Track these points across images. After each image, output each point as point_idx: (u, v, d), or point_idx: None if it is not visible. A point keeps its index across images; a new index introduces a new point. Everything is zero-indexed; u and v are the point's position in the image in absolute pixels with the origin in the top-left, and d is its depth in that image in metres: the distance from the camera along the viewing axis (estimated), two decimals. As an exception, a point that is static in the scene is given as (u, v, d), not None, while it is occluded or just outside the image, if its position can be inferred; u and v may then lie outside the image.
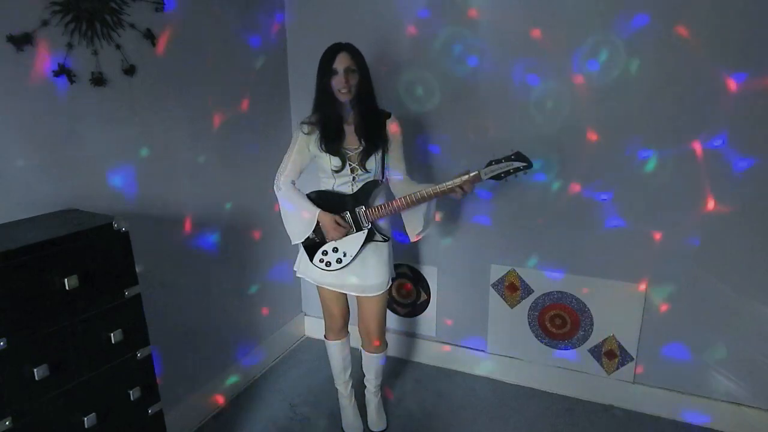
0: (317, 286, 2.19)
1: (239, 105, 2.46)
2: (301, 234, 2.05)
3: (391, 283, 2.15)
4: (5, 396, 1.26)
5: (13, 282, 1.24)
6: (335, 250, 2.05)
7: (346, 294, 2.21)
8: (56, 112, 1.64)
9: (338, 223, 1.99)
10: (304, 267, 2.17)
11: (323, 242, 2.06)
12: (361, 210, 2.02)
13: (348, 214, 2.02)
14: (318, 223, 2.00)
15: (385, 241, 2.09)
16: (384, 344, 2.29)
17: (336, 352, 2.31)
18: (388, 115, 2.05)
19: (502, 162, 1.90)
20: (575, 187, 2.31)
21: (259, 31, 2.53)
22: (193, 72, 2.16)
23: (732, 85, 1.97)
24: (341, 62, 1.88)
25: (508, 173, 1.91)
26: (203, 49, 2.20)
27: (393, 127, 2.04)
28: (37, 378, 1.30)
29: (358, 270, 2.07)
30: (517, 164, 1.89)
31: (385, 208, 2.01)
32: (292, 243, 2.10)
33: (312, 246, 2.08)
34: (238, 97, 2.45)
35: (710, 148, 2.05)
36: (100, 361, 1.47)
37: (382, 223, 2.11)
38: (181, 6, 2.04)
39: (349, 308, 2.29)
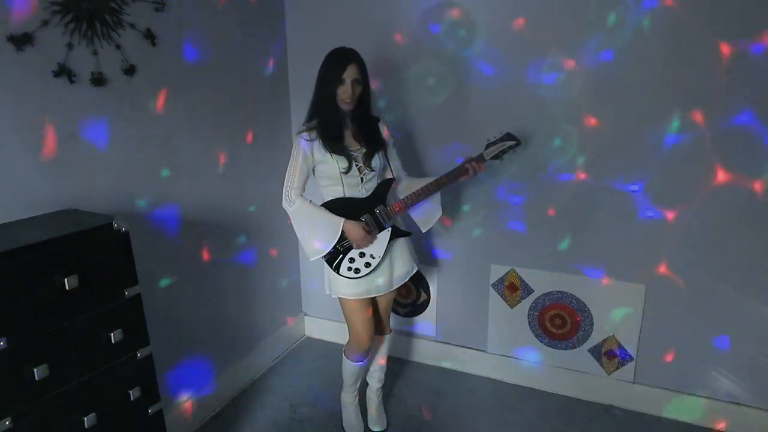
0: (345, 304, 2.09)
1: (239, 106, 2.46)
2: (323, 248, 1.97)
3: (416, 268, 2.19)
4: (5, 396, 1.26)
5: (13, 282, 1.24)
6: (362, 255, 2.01)
7: (372, 307, 2.16)
8: (56, 113, 1.64)
9: (367, 231, 1.96)
10: (335, 285, 2.06)
11: (347, 250, 2.00)
12: (382, 209, 2.02)
13: (369, 216, 2.00)
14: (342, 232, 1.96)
15: (407, 235, 2.11)
16: (390, 328, 2.33)
17: (354, 371, 2.25)
18: (378, 120, 2.09)
19: (497, 143, 2.06)
20: (575, 189, 2.32)
21: (257, 25, 2.53)
22: (193, 72, 2.16)
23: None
24: (350, 73, 1.87)
25: (504, 152, 2.07)
26: (203, 49, 2.20)
27: (384, 131, 2.09)
28: (37, 378, 1.29)
29: (385, 268, 2.06)
30: (509, 143, 2.06)
31: (405, 201, 2.02)
32: (311, 258, 2.01)
33: (333, 257, 2.01)
34: (239, 98, 2.45)
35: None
36: (100, 361, 1.46)
37: (399, 220, 2.12)
38: (184, 14, 2.04)
39: (374, 325, 2.20)
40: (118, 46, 1.80)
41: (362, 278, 2.02)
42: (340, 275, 2.02)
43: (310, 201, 1.99)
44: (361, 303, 2.08)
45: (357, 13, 2.51)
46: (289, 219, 2.03)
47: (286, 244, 2.88)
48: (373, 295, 2.10)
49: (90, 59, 1.71)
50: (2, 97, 1.49)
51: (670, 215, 2.19)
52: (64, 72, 1.63)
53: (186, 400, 2.31)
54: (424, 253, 2.73)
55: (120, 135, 1.87)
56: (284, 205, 2.01)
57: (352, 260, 2.01)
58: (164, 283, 2.13)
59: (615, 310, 2.38)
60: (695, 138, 2.08)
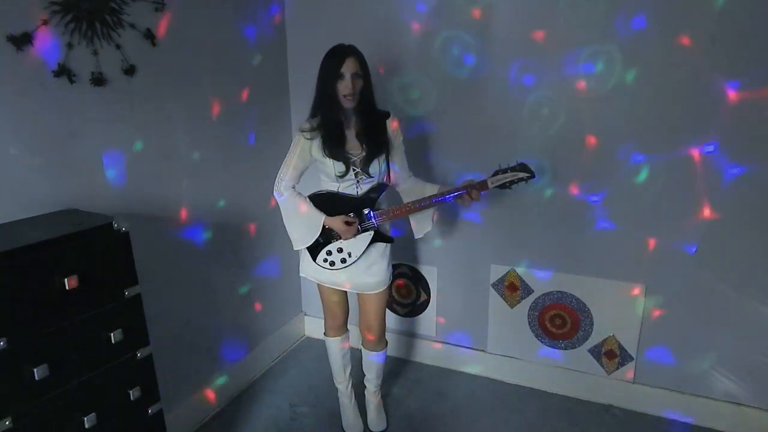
0: (318, 285, 2.19)
1: (239, 105, 2.46)
2: (305, 240, 2.05)
3: (390, 280, 2.17)
4: (5, 396, 1.26)
5: (13, 282, 1.24)
6: (340, 250, 2.05)
7: (346, 292, 2.22)
8: (56, 112, 1.64)
9: (348, 223, 2.00)
10: (306, 267, 2.16)
11: (327, 242, 2.05)
12: (369, 213, 2.02)
13: (356, 216, 2.02)
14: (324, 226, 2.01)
15: (389, 242, 2.11)
16: (384, 342, 2.30)
17: (336, 349, 2.31)
18: (388, 115, 2.05)
19: (507, 172, 1.96)
20: (574, 189, 2.32)
21: (256, 24, 2.51)
22: (192, 71, 2.16)
23: (729, 93, 1.96)
24: (349, 67, 1.86)
25: (512, 182, 1.96)
26: (202, 48, 2.20)
27: (393, 126, 2.06)
28: (37, 378, 1.29)
29: (361, 268, 2.08)
30: (521, 175, 1.95)
31: (392, 212, 2.02)
32: (295, 248, 2.10)
33: (315, 246, 2.07)
34: (238, 96, 2.45)
35: (704, 153, 2.05)
36: (100, 361, 1.47)
37: (384, 225, 2.12)
38: (178, 3, 2.04)
39: (348, 306, 2.30)
40: (118, 46, 1.80)
41: (334, 271, 2.08)
42: (316, 264, 2.08)
43: (299, 194, 2.04)
44: (332, 289, 2.17)
45: (357, 13, 2.51)
46: None
47: (286, 244, 2.87)
48: (337, 288, 2.16)
49: (90, 59, 1.71)
50: (2, 96, 1.49)
51: (669, 216, 2.19)
52: (64, 72, 1.63)
53: (186, 400, 2.31)
54: (424, 252, 2.73)
55: (120, 135, 1.87)
56: (275, 194, 2.08)
57: (329, 252, 2.06)
58: (165, 284, 2.13)
59: (615, 310, 2.38)
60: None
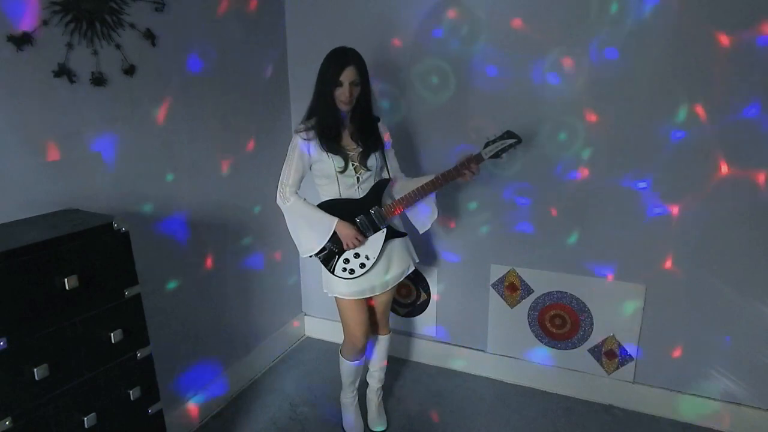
0: (339, 305, 2.13)
1: (239, 105, 2.46)
2: (313, 247, 2.01)
3: (413, 267, 2.18)
4: (5, 396, 1.26)
5: (13, 282, 1.24)
6: (357, 255, 2.02)
7: (367, 312, 2.18)
8: (56, 112, 1.64)
9: (357, 238, 1.97)
10: (328, 283, 2.10)
11: (342, 250, 2.02)
12: (377, 210, 2.02)
13: (364, 217, 2.00)
14: (334, 232, 1.98)
15: (403, 235, 2.10)
16: (389, 329, 2.32)
17: (350, 370, 2.27)
18: (377, 119, 2.08)
19: (497, 141, 1.99)
20: (578, 189, 2.32)
21: (256, 20, 2.53)
22: (192, 71, 2.16)
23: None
24: (348, 76, 1.86)
25: (504, 150, 1.99)
26: (202, 48, 2.20)
27: (383, 132, 2.08)
28: (37, 378, 1.29)
29: (380, 269, 2.07)
30: (509, 141, 1.98)
31: (400, 203, 2.02)
32: (303, 256, 2.06)
33: (329, 257, 2.04)
34: (238, 97, 2.45)
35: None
36: (100, 361, 1.46)
37: (395, 220, 2.11)
38: (178, 4, 2.04)
39: (369, 330, 2.23)
40: (118, 46, 1.80)
41: (357, 278, 2.03)
42: (335, 275, 2.04)
43: (305, 199, 2.02)
44: (356, 303, 2.10)
45: (357, 14, 2.51)
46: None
47: (287, 244, 2.88)
48: (368, 296, 2.11)
49: (90, 59, 1.71)
50: (2, 97, 1.49)
51: (671, 215, 2.19)
52: (64, 72, 1.63)
53: (186, 400, 2.32)
54: (424, 252, 2.73)
55: (120, 135, 1.87)
56: (278, 201, 2.03)
57: (346, 261, 2.03)
58: (164, 284, 2.13)
59: (615, 310, 2.38)
60: (699, 135, 2.08)
